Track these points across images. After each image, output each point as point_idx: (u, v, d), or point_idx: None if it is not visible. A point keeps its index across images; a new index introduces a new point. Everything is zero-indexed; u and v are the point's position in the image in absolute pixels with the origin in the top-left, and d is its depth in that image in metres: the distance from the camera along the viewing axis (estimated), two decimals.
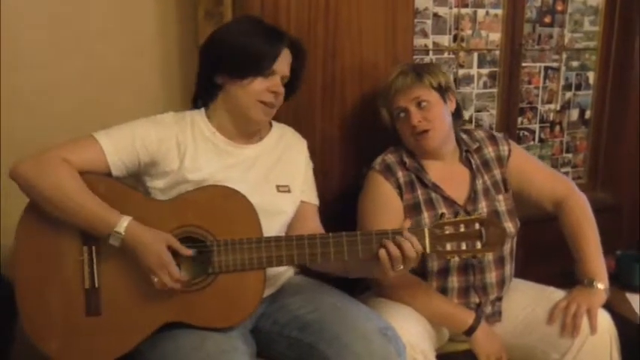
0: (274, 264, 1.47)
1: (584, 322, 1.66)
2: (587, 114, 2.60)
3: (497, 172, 1.82)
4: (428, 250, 1.45)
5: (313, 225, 1.64)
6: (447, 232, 1.46)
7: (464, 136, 1.84)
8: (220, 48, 1.56)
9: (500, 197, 1.79)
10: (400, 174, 1.75)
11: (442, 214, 1.54)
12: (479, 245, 1.46)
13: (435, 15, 2.19)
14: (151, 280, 1.39)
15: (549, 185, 1.84)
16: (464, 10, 2.24)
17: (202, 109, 1.62)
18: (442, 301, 1.71)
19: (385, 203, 1.73)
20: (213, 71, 1.57)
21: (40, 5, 1.93)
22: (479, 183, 1.78)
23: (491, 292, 1.77)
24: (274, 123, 1.70)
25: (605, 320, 1.68)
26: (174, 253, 1.40)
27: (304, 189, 1.66)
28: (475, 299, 1.76)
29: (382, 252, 1.42)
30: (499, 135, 1.88)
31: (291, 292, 1.62)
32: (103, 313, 1.43)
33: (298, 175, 1.66)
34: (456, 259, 1.52)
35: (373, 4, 1.89)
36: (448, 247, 1.46)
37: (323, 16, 1.83)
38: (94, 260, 1.43)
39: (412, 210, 1.73)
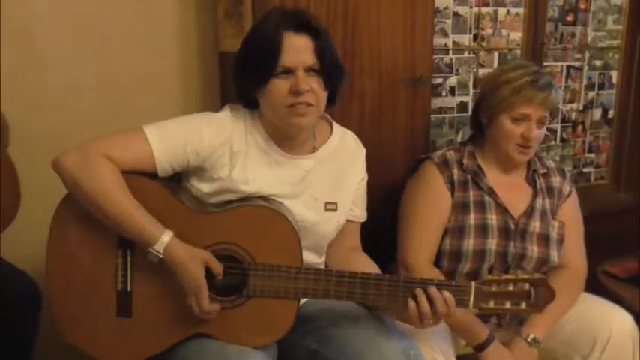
0: (309, 296, 1.43)
1: (608, 322, 1.65)
2: (610, 113, 2.56)
3: (555, 202, 1.82)
4: (471, 306, 1.40)
5: (352, 242, 1.61)
6: (494, 289, 1.39)
7: (536, 159, 1.83)
8: (237, 61, 1.45)
9: (555, 224, 1.79)
10: (455, 172, 1.76)
11: (491, 268, 1.52)
12: (523, 305, 1.39)
13: (455, 14, 2.17)
14: (187, 304, 1.35)
15: (570, 249, 1.81)
16: (484, 9, 2.22)
17: (257, 112, 1.49)
18: (463, 310, 1.70)
19: (433, 197, 1.74)
20: (243, 87, 1.46)
21: (66, 8, 1.96)
22: (539, 202, 1.78)
23: None
24: (336, 128, 1.57)
25: (627, 322, 1.67)
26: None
27: (353, 207, 1.59)
28: None
29: (411, 304, 1.35)
30: (568, 173, 1.89)
31: (311, 299, 1.58)
32: (133, 315, 1.42)
33: (349, 193, 1.57)
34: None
35: (393, 3, 1.88)
36: (492, 303, 1.39)
37: (342, 15, 1.83)
38: (129, 264, 1.41)
39: (460, 208, 1.73)
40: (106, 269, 1.41)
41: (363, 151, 1.62)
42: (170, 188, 1.45)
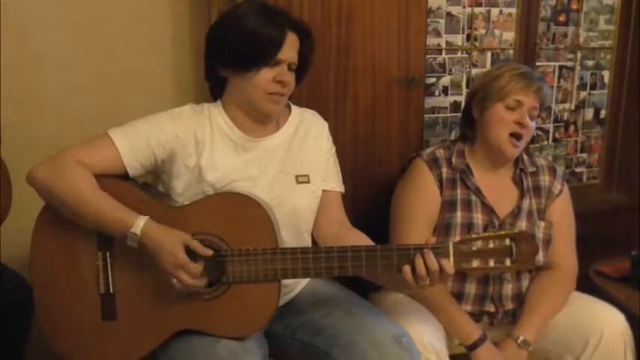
0: (289, 276, 1.42)
1: (600, 322, 1.66)
2: (603, 113, 2.58)
3: (542, 201, 1.82)
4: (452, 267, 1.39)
5: (336, 215, 1.61)
6: (475, 248, 1.37)
7: (525, 157, 1.84)
8: (220, 40, 1.51)
9: (542, 224, 1.79)
10: (445, 170, 1.77)
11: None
12: (508, 262, 1.37)
13: (449, 14, 2.18)
14: (170, 284, 1.36)
15: (559, 249, 1.81)
16: (477, 9, 2.23)
17: (219, 102, 1.56)
18: (455, 307, 1.71)
19: (424, 193, 1.76)
20: (216, 64, 1.52)
21: (61, 8, 1.96)
22: (525, 203, 1.79)
23: (506, 303, 1.78)
24: (294, 108, 1.63)
25: (619, 322, 1.67)
26: (193, 255, 1.36)
27: (326, 177, 1.60)
28: (490, 308, 1.77)
29: (406, 268, 1.36)
30: (560, 172, 1.89)
31: (304, 294, 1.60)
32: (118, 318, 1.42)
33: (318, 163, 1.60)
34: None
35: (386, 3, 1.89)
36: (474, 263, 1.37)
37: (336, 15, 1.83)
38: (109, 266, 1.42)
39: (447, 206, 1.75)
40: (88, 274, 1.42)
41: (325, 124, 1.65)
42: (141, 187, 1.49)
